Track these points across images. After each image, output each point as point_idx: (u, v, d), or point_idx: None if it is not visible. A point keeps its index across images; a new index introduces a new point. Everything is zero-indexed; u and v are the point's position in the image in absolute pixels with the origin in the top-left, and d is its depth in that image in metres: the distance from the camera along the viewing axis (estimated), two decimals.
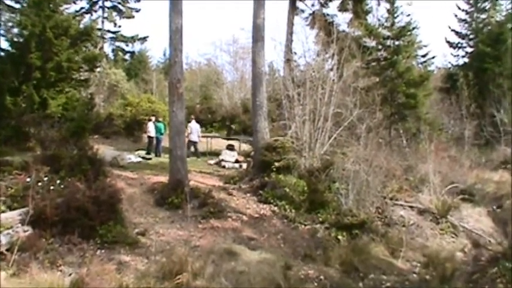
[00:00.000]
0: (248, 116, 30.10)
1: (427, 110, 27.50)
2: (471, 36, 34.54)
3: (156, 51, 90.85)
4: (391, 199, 16.25)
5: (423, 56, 30.69)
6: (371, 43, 26.46)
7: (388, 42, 27.00)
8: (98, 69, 29.03)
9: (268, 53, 45.98)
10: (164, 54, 51.17)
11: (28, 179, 12.53)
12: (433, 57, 31.27)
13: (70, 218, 11.17)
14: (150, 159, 22.87)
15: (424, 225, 15.34)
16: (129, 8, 35.52)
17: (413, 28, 26.84)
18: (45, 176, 12.91)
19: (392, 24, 26.80)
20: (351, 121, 18.90)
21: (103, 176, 14.00)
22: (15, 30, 20.21)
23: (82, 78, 22.30)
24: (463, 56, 35.02)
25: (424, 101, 26.67)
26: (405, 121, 26.34)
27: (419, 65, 30.95)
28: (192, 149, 24.31)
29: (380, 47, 27.05)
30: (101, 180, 13.27)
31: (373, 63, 26.73)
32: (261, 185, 16.88)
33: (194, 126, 24.70)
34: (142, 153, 23.90)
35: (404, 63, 26.51)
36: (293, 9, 27.82)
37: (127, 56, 41.28)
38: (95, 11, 34.77)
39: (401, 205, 16.38)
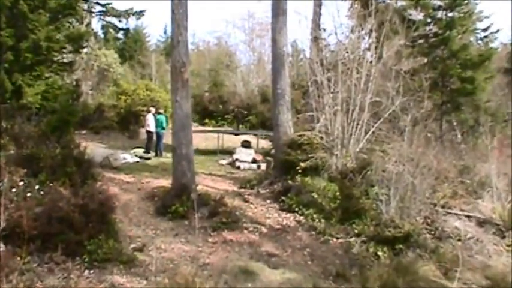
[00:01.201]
0: (267, 106, 30.18)
1: (489, 97, 27.19)
2: None
3: (156, 28, 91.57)
4: (442, 207, 16.13)
5: (484, 30, 30.15)
6: (417, 16, 26.23)
7: (440, 13, 26.65)
8: (85, 50, 29.27)
9: (292, 30, 45.73)
10: (165, 32, 51.68)
11: None
12: (497, 31, 30.66)
13: (51, 231, 11.22)
14: (149, 158, 23.03)
15: (485, 239, 15.17)
16: None
17: None
18: (21, 181, 12.91)
19: None
20: (393, 112, 18.81)
21: (92, 180, 14.08)
22: None
23: (65, 61, 22.53)
24: None
25: (484, 86, 26.29)
26: (460, 111, 26.06)
27: (479, 42, 30.50)
28: None
29: (429, 20, 26.74)
30: (90, 185, 13.34)
31: (420, 41, 26.45)
32: (284, 190, 16.94)
33: None
34: (140, 151, 24.06)
35: (460, 39, 26.14)
36: None
37: (120, 34, 41.42)
38: None
39: (455, 214, 16.25)
